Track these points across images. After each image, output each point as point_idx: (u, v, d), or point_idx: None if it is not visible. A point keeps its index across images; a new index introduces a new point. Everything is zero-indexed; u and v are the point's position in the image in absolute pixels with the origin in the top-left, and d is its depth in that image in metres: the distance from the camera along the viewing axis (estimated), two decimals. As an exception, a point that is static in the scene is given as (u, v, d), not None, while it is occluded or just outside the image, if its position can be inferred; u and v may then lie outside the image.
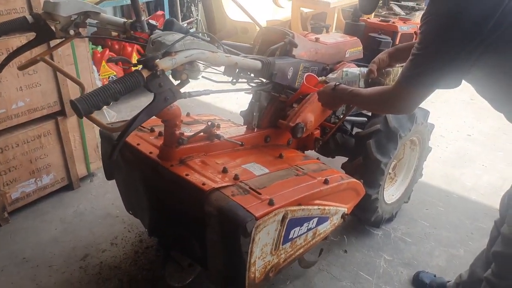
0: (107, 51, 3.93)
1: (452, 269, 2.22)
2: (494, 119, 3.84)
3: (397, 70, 1.88)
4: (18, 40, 2.15)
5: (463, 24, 1.16)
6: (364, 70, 1.81)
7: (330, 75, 1.90)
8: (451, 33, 1.18)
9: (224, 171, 1.53)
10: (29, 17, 1.50)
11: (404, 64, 1.77)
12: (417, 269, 2.18)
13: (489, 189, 2.96)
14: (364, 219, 2.35)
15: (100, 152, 2.74)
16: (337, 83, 1.69)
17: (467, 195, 2.89)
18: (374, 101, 1.54)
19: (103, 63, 3.86)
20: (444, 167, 3.22)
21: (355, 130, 2.45)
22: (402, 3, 8.14)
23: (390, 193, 2.47)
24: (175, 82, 1.31)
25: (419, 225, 2.56)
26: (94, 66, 3.55)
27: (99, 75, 3.81)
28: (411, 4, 8.13)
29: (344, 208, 1.76)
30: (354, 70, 1.84)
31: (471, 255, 2.14)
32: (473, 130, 3.86)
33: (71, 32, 1.52)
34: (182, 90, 1.32)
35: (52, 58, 2.32)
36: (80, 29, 1.57)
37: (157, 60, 1.13)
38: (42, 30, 1.52)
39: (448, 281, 2.03)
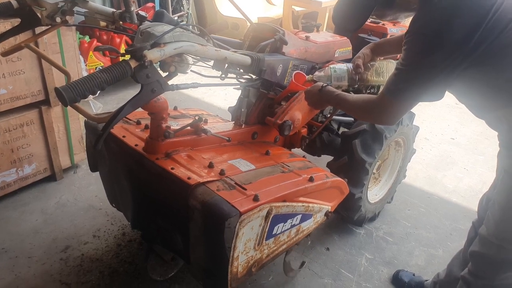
0: (95, 42, 3.87)
1: (431, 269, 2.26)
2: (477, 124, 3.92)
3: (380, 63, 1.94)
4: (2, 25, 2.09)
5: (446, 43, 1.19)
6: (350, 65, 1.84)
7: (316, 73, 1.91)
8: (435, 51, 1.21)
9: (210, 166, 1.53)
10: (14, 2, 1.47)
11: (384, 57, 1.83)
12: (397, 268, 2.21)
13: (469, 192, 3.02)
14: (347, 217, 2.37)
15: (84, 143, 2.72)
16: (324, 85, 1.70)
17: (448, 197, 2.94)
18: (358, 109, 1.57)
19: (90, 53, 3.80)
20: (427, 169, 3.27)
21: (342, 129, 2.47)
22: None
23: (374, 192, 2.50)
24: (163, 74, 1.30)
25: (401, 225, 2.59)
26: (80, 56, 3.49)
27: (85, 65, 3.75)
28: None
29: (328, 206, 1.78)
30: (341, 66, 1.87)
31: (449, 255, 2.18)
32: (456, 134, 3.93)
33: (58, 19, 1.49)
34: (170, 82, 1.31)
35: (37, 46, 2.27)
36: (67, 17, 1.55)
37: (145, 51, 1.13)
38: (28, 16, 1.49)
39: (426, 280, 2.07)
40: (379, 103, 1.41)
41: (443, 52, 1.20)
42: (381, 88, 2.58)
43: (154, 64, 1.17)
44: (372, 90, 2.54)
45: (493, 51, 1.19)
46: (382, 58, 1.95)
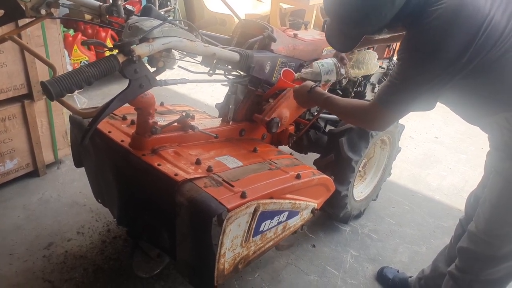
0: (80, 35, 3.80)
1: (414, 265, 2.30)
2: (461, 123, 3.95)
3: (361, 54, 2.06)
4: (-16, 17, 2.04)
5: (440, 60, 1.23)
6: (335, 59, 1.89)
7: (303, 70, 1.93)
8: (428, 68, 1.26)
9: (198, 162, 1.52)
10: (-3, -7, 1.43)
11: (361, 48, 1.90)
12: (381, 265, 2.24)
13: (452, 190, 3.08)
14: (333, 215, 2.39)
15: (69, 138, 2.67)
16: (314, 85, 1.71)
17: (432, 195, 2.99)
18: (348, 115, 1.61)
19: (75, 47, 3.73)
20: (411, 167, 3.32)
21: (328, 127, 2.48)
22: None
23: (359, 190, 2.53)
24: (151, 69, 1.29)
25: (386, 222, 2.63)
26: (65, 50, 3.43)
27: (70, 59, 3.69)
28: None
29: (314, 203, 1.79)
30: (328, 60, 1.91)
31: (432, 252, 2.22)
32: (440, 133, 4.00)
33: (42, 11, 1.46)
34: (158, 78, 1.30)
35: (20, 39, 2.21)
36: (52, 10, 1.51)
37: (133, 46, 1.11)
38: (11, 7, 1.45)
39: (410, 277, 2.10)
40: (370, 111, 1.45)
41: (436, 69, 1.25)
42: (367, 87, 2.63)
43: (142, 59, 1.16)
44: (358, 89, 2.57)
45: (484, 65, 1.23)
46: (358, 49, 2.05)
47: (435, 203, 2.90)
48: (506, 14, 1.21)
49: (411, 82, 1.30)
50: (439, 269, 1.86)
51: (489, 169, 1.55)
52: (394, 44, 2.58)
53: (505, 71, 1.25)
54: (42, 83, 0.95)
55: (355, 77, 2.36)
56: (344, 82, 2.30)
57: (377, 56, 2.14)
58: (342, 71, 1.93)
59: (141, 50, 1.13)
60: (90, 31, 3.99)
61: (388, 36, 1.45)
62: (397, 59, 1.37)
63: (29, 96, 2.44)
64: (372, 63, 2.09)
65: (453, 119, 4.12)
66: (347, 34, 1.41)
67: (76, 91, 1.03)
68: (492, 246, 1.47)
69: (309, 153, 2.54)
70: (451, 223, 2.64)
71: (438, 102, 1.38)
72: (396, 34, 1.45)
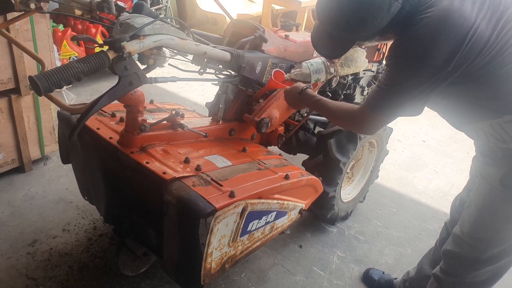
0: (69, 31, 3.75)
1: (400, 267, 2.32)
2: (447, 127, 4.02)
3: (349, 52, 2.00)
4: (-29, 9, 2.00)
5: (427, 67, 1.25)
6: (324, 59, 1.89)
7: (292, 71, 1.93)
8: (416, 75, 1.28)
9: (186, 161, 1.52)
10: (-14, -14, 1.40)
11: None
12: (367, 266, 2.26)
13: (438, 193, 3.12)
14: (320, 215, 2.40)
15: (56, 134, 2.64)
16: (304, 87, 1.72)
17: (418, 198, 3.03)
18: (339, 118, 1.63)
19: (64, 42, 3.68)
20: (398, 170, 3.36)
21: (317, 129, 2.50)
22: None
23: (347, 192, 2.55)
24: (141, 67, 1.28)
25: (372, 224, 2.65)
26: (54, 45, 3.38)
27: (59, 54, 3.64)
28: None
29: (302, 204, 1.80)
30: (316, 60, 1.92)
31: (418, 254, 2.25)
32: (427, 136, 4.06)
33: (32, 5, 1.44)
34: (148, 75, 1.29)
35: (8, 32, 2.18)
36: (42, 4, 1.49)
37: (124, 42, 1.11)
38: (0, 0, 1.43)
39: (395, 278, 2.13)
40: (359, 116, 1.47)
41: (423, 76, 1.27)
42: (357, 90, 2.65)
43: (133, 56, 1.15)
44: (348, 91, 2.59)
45: (470, 73, 1.26)
46: None
47: (421, 206, 2.93)
48: (491, 24, 1.23)
49: (398, 88, 1.32)
50: (424, 271, 1.89)
51: (475, 173, 1.58)
52: (384, 48, 2.61)
53: (490, 79, 1.28)
54: (31, 78, 0.94)
55: (344, 78, 2.37)
56: (334, 83, 2.32)
57: (365, 54, 2.16)
58: (332, 70, 1.94)
59: (131, 47, 1.13)
60: (80, 26, 3.94)
61: (376, 43, 1.46)
62: (385, 65, 1.39)
63: (16, 90, 2.40)
64: (361, 60, 2.10)
65: (440, 124, 4.18)
66: (339, 39, 1.41)
67: (65, 87, 1.02)
68: (476, 249, 1.50)
69: (297, 154, 2.55)
70: (436, 226, 2.68)
71: (426, 107, 1.41)
72: (386, 41, 1.47)
